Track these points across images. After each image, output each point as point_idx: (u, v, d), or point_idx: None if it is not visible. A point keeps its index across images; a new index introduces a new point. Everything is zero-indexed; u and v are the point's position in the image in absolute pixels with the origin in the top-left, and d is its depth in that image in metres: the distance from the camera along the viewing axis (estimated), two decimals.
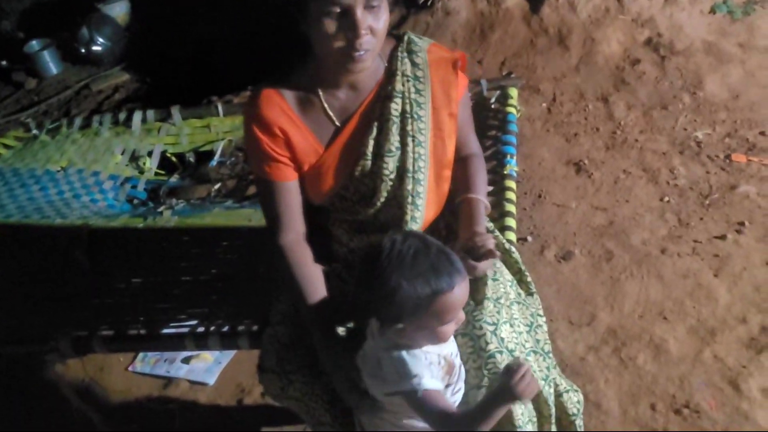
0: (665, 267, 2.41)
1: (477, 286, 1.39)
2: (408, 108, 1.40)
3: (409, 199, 1.42)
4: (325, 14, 1.23)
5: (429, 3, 3.70)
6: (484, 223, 1.47)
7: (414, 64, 1.41)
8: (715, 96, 3.26)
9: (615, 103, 3.30)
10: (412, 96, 1.40)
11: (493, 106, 2.65)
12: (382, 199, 1.44)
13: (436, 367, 1.24)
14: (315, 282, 1.41)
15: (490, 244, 1.35)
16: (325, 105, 1.40)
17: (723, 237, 2.51)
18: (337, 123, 1.41)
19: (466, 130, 1.54)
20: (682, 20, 3.56)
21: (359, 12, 1.22)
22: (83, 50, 5.00)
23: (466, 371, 1.35)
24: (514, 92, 2.64)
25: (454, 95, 1.44)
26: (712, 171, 2.85)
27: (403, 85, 1.40)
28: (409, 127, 1.40)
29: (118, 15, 5.21)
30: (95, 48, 5.00)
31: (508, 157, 2.28)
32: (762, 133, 3.03)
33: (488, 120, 2.56)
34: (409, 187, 1.42)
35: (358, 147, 1.41)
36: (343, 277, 1.52)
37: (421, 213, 1.45)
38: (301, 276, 1.41)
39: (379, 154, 1.41)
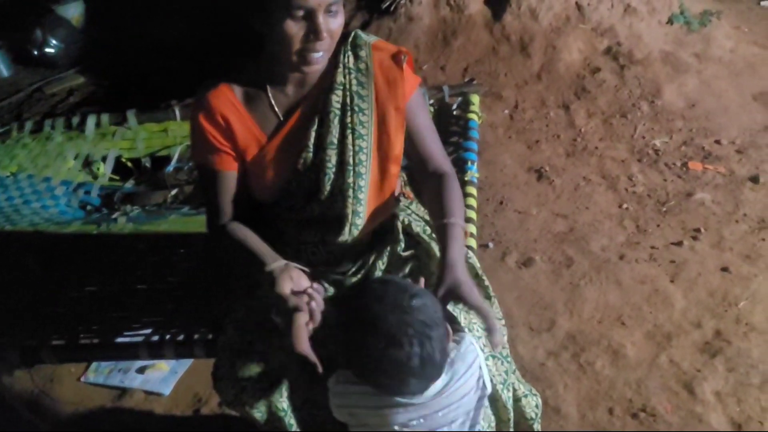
0: (623, 273, 2.44)
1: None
2: (348, 100, 1.40)
3: (350, 193, 1.41)
4: (289, 16, 1.24)
5: (392, 8, 3.69)
6: (461, 254, 1.38)
7: (357, 57, 1.41)
8: (673, 105, 3.33)
9: (576, 111, 3.34)
10: (354, 88, 1.40)
11: (455, 113, 2.65)
12: (326, 193, 1.43)
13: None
14: (263, 246, 1.38)
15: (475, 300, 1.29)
16: (272, 99, 1.40)
17: (679, 243, 2.55)
18: (281, 116, 1.41)
19: (429, 139, 1.50)
20: (641, 30, 3.62)
21: (321, 16, 1.24)
22: (36, 52, 4.86)
23: None
24: (476, 99, 2.65)
25: (399, 90, 1.42)
26: (669, 178, 2.90)
27: (344, 77, 1.40)
28: (348, 120, 1.40)
29: (72, 16, 5.08)
30: (49, 50, 4.86)
31: (470, 163, 2.28)
32: (717, 142, 3.10)
33: (450, 126, 2.56)
34: (350, 180, 1.41)
35: (301, 139, 1.41)
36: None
37: (363, 207, 1.44)
38: (249, 245, 1.38)
39: (321, 147, 1.41)
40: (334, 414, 1.29)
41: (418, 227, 1.54)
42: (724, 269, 2.42)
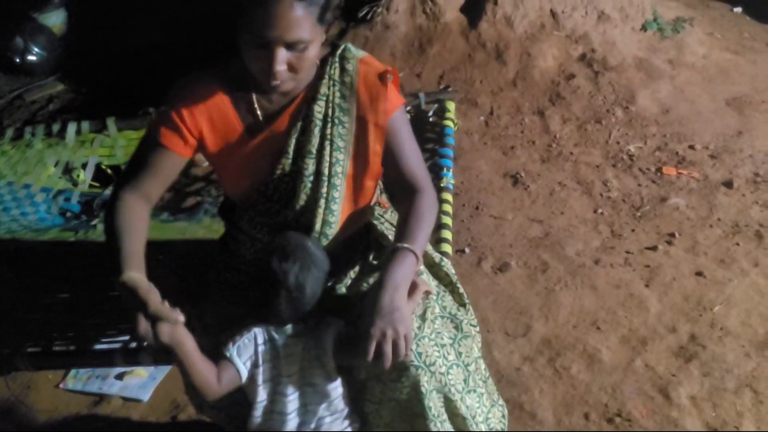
0: (598, 278, 2.47)
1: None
2: (330, 112, 1.41)
3: (322, 203, 1.42)
4: (250, 42, 1.26)
5: (368, 17, 3.72)
6: (398, 287, 1.31)
7: (343, 70, 1.42)
8: (647, 110, 3.38)
9: (550, 117, 3.38)
10: (336, 100, 1.41)
11: (431, 119, 2.68)
12: (302, 202, 1.44)
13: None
14: (138, 238, 1.35)
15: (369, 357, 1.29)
16: (255, 104, 1.41)
17: (654, 248, 2.59)
18: (261, 119, 1.42)
19: (408, 158, 1.47)
20: (614, 37, 3.68)
21: (279, 53, 1.25)
22: (17, 60, 4.84)
23: (385, 384, 1.35)
24: (451, 106, 2.68)
25: (381, 107, 1.42)
26: (644, 183, 2.94)
27: (328, 88, 1.41)
28: (328, 131, 1.41)
29: (54, 25, 5.06)
30: (30, 58, 4.85)
31: (445, 170, 2.30)
32: (691, 147, 3.15)
33: (426, 133, 2.59)
34: (324, 190, 1.42)
35: (282, 145, 1.42)
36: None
37: (336, 218, 1.45)
38: (129, 230, 1.35)
39: (300, 155, 1.42)
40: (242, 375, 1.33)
41: (390, 236, 1.55)
42: (699, 274, 2.46)
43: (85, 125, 2.93)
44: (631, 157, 3.11)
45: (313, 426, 1.37)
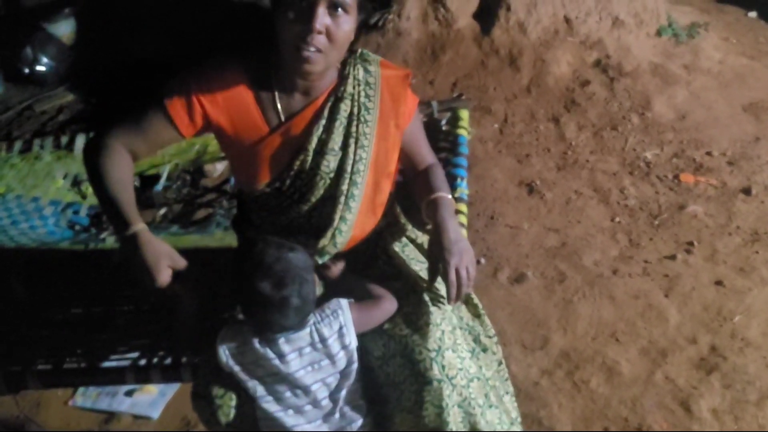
0: (617, 288, 2.42)
1: (419, 311, 1.37)
2: (356, 110, 1.42)
3: (342, 199, 1.43)
4: (291, 7, 1.25)
5: (380, 24, 3.69)
6: (453, 223, 1.44)
7: (367, 71, 1.44)
8: (663, 117, 3.33)
9: (566, 124, 3.33)
10: (362, 99, 1.42)
11: (444, 128, 2.64)
12: (318, 196, 1.45)
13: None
14: (128, 196, 1.35)
15: (454, 288, 1.36)
16: (278, 102, 1.40)
17: (672, 257, 2.54)
18: (283, 118, 1.41)
19: (421, 145, 1.58)
20: (629, 42, 3.64)
21: (320, 9, 1.23)
22: (27, 70, 4.85)
23: (401, 393, 1.33)
24: (465, 114, 2.63)
25: (402, 109, 1.47)
26: (661, 191, 2.89)
27: (354, 88, 1.42)
28: (353, 129, 1.42)
29: (63, 34, 5.08)
30: (39, 68, 4.86)
31: (459, 180, 2.26)
32: (708, 153, 3.09)
33: (439, 142, 2.55)
34: (344, 187, 1.42)
35: (302, 142, 1.41)
36: None
37: (353, 216, 1.45)
38: (121, 178, 1.35)
39: (321, 152, 1.42)
40: (222, 363, 1.32)
41: (397, 246, 1.54)
42: (719, 283, 2.41)
43: None
44: (648, 164, 3.05)
45: (337, 416, 1.36)
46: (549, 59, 3.55)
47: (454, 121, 2.62)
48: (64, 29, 5.08)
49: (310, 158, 1.42)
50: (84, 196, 2.86)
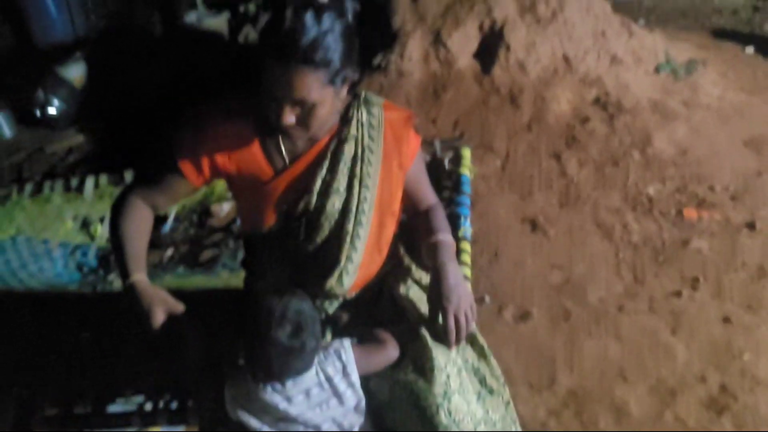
0: (623, 325, 2.42)
1: (424, 355, 1.38)
2: (359, 152, 1.45)
3: (348, 239, 1.45)
4: (264, 94, 1.30)
5: (383, 65, 3.75)
6: (452, 267, 1.46)
7: (370, 113, 1.47)
8: (664, 152, 3.35)
9: (567, 160, 3.36)
10: (365, 141, 1.45)
11: (447, 167, 2.67)
12: (323, 237, 1.47)
13: None
14: (138, 248, 1.43)
15: (452, 334, 1.38)
16: (282, 145, 1.44)
17: (678, 293, 2.54)
18: (287, 160, 1.45)
19: (423, 185, 1.60)
20: (628, 80, 3.68)
21: (285, 107, 1.28)
22: (38, 112, 4.93)
23: None
24: (467, 153, 2.67)
25: (405, 150, 1.50)
26: (665, 226, 2.90)
27: (357, 130, 1.45)
28: (357, 170, 1.45)
29: (74, 77, 5.17)
30: (50, 110, 4.94)
31: (463, 219, 2.28)
32: (711, 189, 3.11)
33: (442, 181, 2.58)
34: (349, 227, 1.45)
35: (306, 184, 1.45)
36: None
37: (358, 255, 1.47)
38: (132, 231, 1.43)
39: (325, 193, 1.44)
40: (230, 412, 1.34)
41: (402, 289, 1.55)
42: (726, 320, 2.40)
43: (104, 179, 2.97)
44: (650, 200, 3.07)
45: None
46: (549, 97, 3.60)
47: (457, 160, 2.66)
48: (75, 72, 5.17)
49: (314, 199, 1.45)
50: (93, 238, 2.89)
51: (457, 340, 1.40)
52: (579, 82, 3.67)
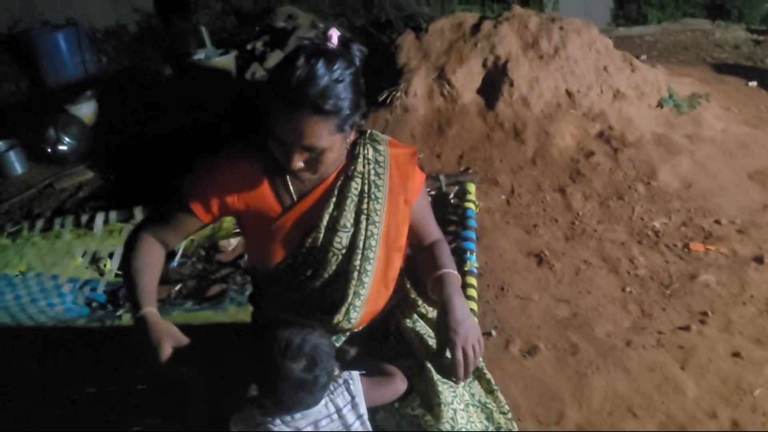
0: (631, 360, 2.40)
1: (431, 390, 1.39)
2: (366, 188, 1.46)
3: (355, 275, 1.46)
4: (272, 138, 1.32)
5: (388, 101, 3.81)
6: (459, 301, 1.47)
7: (376, 150, 1.48)
8: (669, 186, 3.36)
9: (572, 194, 3.37)
10: (371, 177, 1.47)
11: (452, 201, 2.70)
12: (330, 272, 1.48)
13: None
14: (148, 283, 1.43)
15: (461, 368, 1.39)
16: (289, 183, 1.46)
17: (687, 328, 2.52)
18: (295, 198, 1.46)
19: (427, 220, 1.61)
20: (631, 114, 3.71)
21: (294, 152, 1.30)
22: (49, 150, 5.01)
23: None
24: (472, 188, 2.70)
25: (410, 185, 1.51)
26: (671, 260, 2.90)
27: (363, 167, 1.46)
28: (365, 206, 1.46)
29: (85, 115, 5.26)
30: (61, 147, 5.01)
31: (468, 253, 2.31)
32: (717, 222, 3.11)
33: (448, 215, 2.61)
34: (357, 263, 1.46)
35: (314, 220, 1.46)
36: None
37: (366, 291, 1.48)
38: (144, 266, 1.44)
39: (333, 229, 1.46)
40: None
41: (408, 323, 1.57)
42: (736, 354, 2.38)
43: (113, 215, 3.01)
44: (656, 233, 3.07)
45: None
46: (553, 131, 3.63)
47: (462, 194, 2.69)
48: (86, 110, 5.27)
49: (321, 235, 1.46)
50: (102, 273, 2.92)
51: (466, 374, 1.40)
52: (582, 116, 3.71)
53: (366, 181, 1.46)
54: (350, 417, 1.33)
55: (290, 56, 1.27)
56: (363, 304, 1.49)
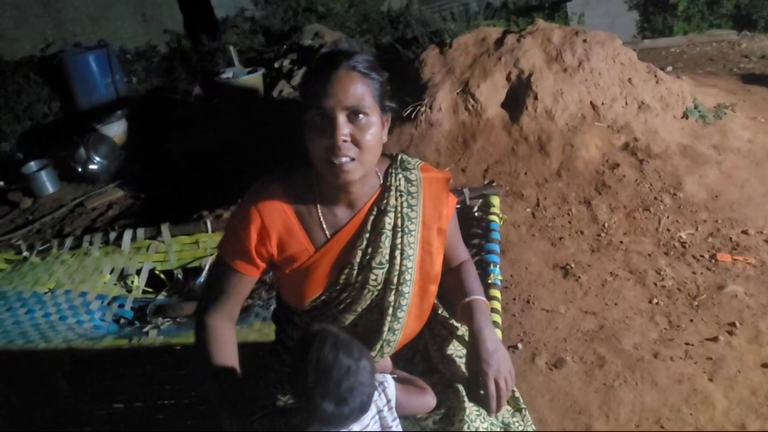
0: (659, 372, 2.37)
1: (455, 407, 1.39)
2: (399, 222, 1.44)
3: (390, 311, 1.44)
4: (311, 119, 1.30)
5: (413, 115, 3.83)
6: (489, 331, 1.46)
7: (408, 180, 1.46)
8: (695, 197, 3.33)
9: (598, 206, 3.35)
10: (404, 210, 1.44)
11: (476, 215, 2.70)
12: (364, 307, 1.46)
13: None
14: (232, 365, 1.43)
15: (494, 400, 1.39)
16: (321, 218, 1.42)
17: (715, 339, 2.48)
18: (328, 234, 1.43)
19: (456, 243, 1.60)
20: (656, 125, 3.69)
21: (340, 118, 1.28)
22: (80, 169, 5.13)
23: None
24: (496, 200, 2.70)
25: (444, 212, 1.49)
26: (699, 271, 2.86)
27: (396, 200, 1.44)
28: (398, 241, 1.43)
29: (115, 135, 5.39)
30: (92, 167, 5.13)
31: (492, 265, 2.30)
32: (744, 232, 3.07)
33: (472, 228, 2.60)
34: (391, 298, 1.43)
35: (347, 257, 1.43)
36: None
37: (401, 325, 1.46)
38: (221, 356, 1.42)
39: (367, 266, 1.43)
40: None
41: (439, 342, 1.57)
42: (765, 365, 2.34)
43: (141, 232, 3.05)
44: (683, 245, 3.04)
45: None
46: (578, 144, 3.62)
47: (486, 207, 2.69)
48: (116, 130, 5.40)
49: (356, 272, 1.44)
50: (129, 290, 2.96)
51: (499, 405, 1.39)
52: (607, 128, 3.69)
53: (399, 215, 1.44)
54: (389, 418, 1.33)
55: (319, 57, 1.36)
56: (397, 339, 1.47)
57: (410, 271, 1.44)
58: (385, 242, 1.42)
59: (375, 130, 1.32)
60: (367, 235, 1.43)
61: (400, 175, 1.45)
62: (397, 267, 1.43)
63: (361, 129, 1.30)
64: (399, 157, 1.49)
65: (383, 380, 1.35)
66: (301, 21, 7.00)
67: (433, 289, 1.51)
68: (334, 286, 1.44)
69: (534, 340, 2.62)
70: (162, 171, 4.86)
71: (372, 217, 1.43)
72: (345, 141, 1.28)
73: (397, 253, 1.43)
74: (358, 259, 1.43)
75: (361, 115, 1.29)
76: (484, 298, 1.52)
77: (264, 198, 1.41)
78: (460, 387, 1.43)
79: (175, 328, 2.62)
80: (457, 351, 1.54)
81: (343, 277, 1.43)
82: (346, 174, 1.31)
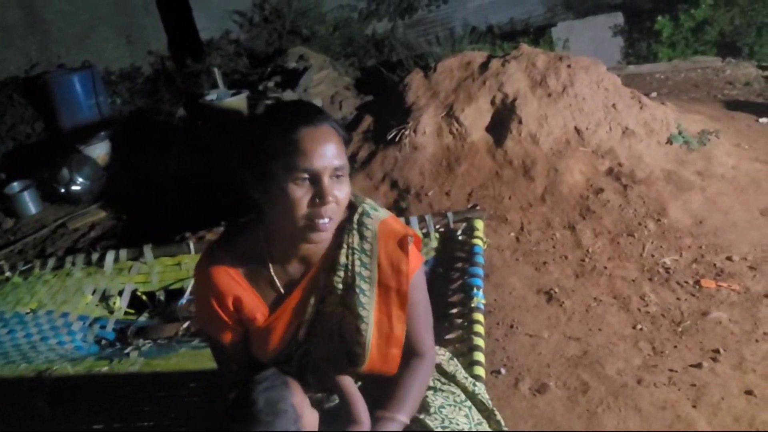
0: (642, 398, 2.36)
1: None
2: (351, 281, 1.39)
3: (353, 360, 1.44)
4: (293, 180, 1.25)
5: (397, 139, 3.84)
6: None
7: (362, 237, 1.39)
8: (679, 222, 3.34)
9: (582, 231, 3.36)
10: (357, 269, 1.39)
11: (460, 238, 2.70)
12: (324, 354, 1.46)
13: None
14: None
15: None
16: (274, 277, 1.41)
17: (699, 365, 2.48)
18: (282, 291, 1.42)
19: (418, 318, 1.46)
20: (640, 151, 3.72)
21: (326, 180, 1.26)
22: (63, 190, 5.10)
23: None
24: (480, 224, 2.70)
25: (403, 271, 1.39)
26: (683, 297, 2.87)
27: (347, 257, 1.39)
28: (350, 300, 1.40)
29: (98, 156, 5.36)
30: (75, 188, 5.10)
31: (475, 289, 2.30)
32: (728, 258, 3.08)
33: (455, 252, 2.61)
34: (352, 351, 1.43)
35: (302, 314, 1.42)
36: None
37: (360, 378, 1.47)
38: None
39: (323, 322, 1.44)
40: None
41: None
42: (749, 392, 2.33)
43: (123, 253, 3.03)
44: (667, 270, 3.04)
45: None
46: (562, 168, 3.64)
47: (470, 231, 2.69)
48: (99, 151, 5.38)
49: (313, 328, 1.44)
50: (111, 311, 2.93)
51: None
52: (591, 153, 3.71)
53: (350, 274, 1.39)
54: None
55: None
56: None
57: (364, 332, 1.39)
58: (335, 300, 1.41)
59: (349, 186, 1.32)
60: (319, 292, 1.41)
61: (355, 231, 1.39)
62: (352, 325, 1.40)
63: (340, 188, 1.29)
64: (360, 208, 1.41)
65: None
66: (286, 44, 7.04)
67: (395, 351, 1.43)
68: (295, 339, 1.44)
69: (517, 365, 2.60)
70: (145, 192, 4.83)
71: (323, 274, 1.40)
72: (331, 202, 1.28)
73: (348, 312, 1.40)
74: (308, 315, 1.42)
75: (340, 174, 1.29)
76: (400, 417, 1.40)
77: (211, 266, 1.40)
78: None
79: (156, 349, 2.59)
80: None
81: (301, 331, 1.43)
82: (324, 233, 1.31)
